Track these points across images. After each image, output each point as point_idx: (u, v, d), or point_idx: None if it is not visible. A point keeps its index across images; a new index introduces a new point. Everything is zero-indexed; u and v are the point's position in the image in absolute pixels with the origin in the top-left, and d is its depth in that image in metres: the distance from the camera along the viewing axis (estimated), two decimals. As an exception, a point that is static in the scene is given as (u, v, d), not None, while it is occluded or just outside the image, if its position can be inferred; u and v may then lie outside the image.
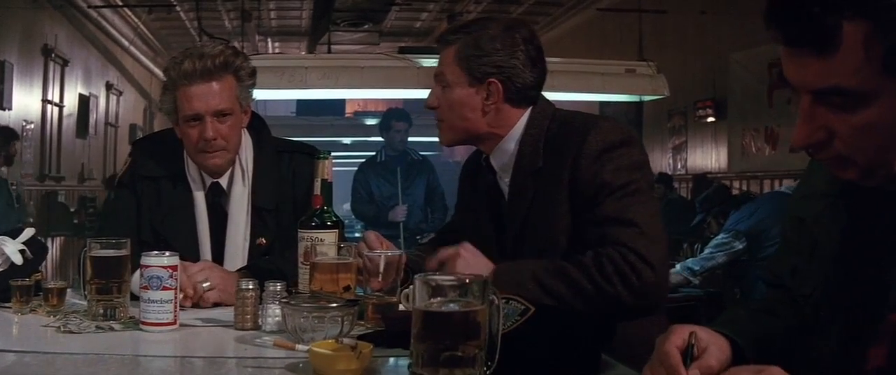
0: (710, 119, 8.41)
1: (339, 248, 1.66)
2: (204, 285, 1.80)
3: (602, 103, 8.15)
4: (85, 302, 1.69)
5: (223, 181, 2.11)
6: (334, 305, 1.40)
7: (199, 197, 2.10)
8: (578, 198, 1.72)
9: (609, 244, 1.64)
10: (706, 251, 4.68)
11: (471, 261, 1.70)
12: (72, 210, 8.72)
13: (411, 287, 1.61)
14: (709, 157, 8.75)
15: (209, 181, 2.11)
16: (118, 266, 1.63)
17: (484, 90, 1.80)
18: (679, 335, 1.10)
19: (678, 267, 4.67)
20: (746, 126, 8.03)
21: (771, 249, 4.41)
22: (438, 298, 1.06)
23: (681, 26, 8.40)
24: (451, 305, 1.06)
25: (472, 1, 10.22)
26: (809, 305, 1.17)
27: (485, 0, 10.09)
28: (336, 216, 1.71)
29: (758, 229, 4.50)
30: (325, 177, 1.70)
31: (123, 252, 1.64)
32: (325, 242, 1.65)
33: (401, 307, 1.61)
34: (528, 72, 1.80)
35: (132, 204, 2.11)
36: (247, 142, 2.14)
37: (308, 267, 1.64)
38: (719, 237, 4.65)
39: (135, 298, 1.63)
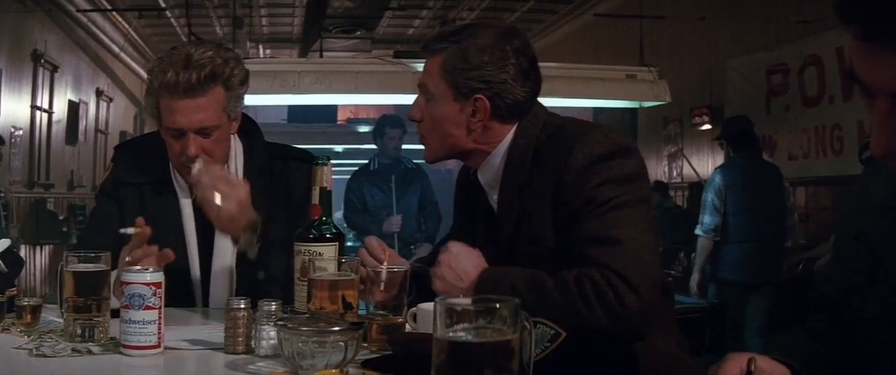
0: (706, 126, 8.34)
1: (340, 263, 1.52)
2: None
3: (596, 110, 8.06)
4: (62, 320, 1.56)
5: None
6: (336, 328, 1.26)
7: (187, 205, 1.96)
8: (562, 216, 1.58)
9: (591, 264, 1.50)
10: (706, 210, 5.00)
11: (461, 256, 1.58)
12: (61, 218, 8.58)
13: (418, 306, 1.50)
14: (705, 165, 8.67)
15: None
16: (97, 281, 1.49)
17: (469, 106, 1.65)
18: (735, 364, 0.99)
19: (701, 234, 5.00)
20: (744, 133, 7.96)
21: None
22: (463, 324, 0.92)
23: (677, 33, 8.33)
24: (480, 333, 0.92)
25: (465, 7, 10.14)
26: (870, 329, 1.05)
27: (479, 7, 10.01)
28: (336, 227, 1.57)
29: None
30: (324, 184, 1.57)
31: (102, 266, 1.50)
32: (325, 256, 1.52)
33: (407, 327, 1.49)
34: (519, 87, 1.65)
35: (114, 214, 1.97)
36: (237, 147, 2.00)
37: (305, 283, 1.51)
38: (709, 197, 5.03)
39: (117, 313, 1.49)
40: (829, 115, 6.87)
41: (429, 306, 1.45)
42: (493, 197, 1.73)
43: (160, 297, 1.41)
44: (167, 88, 1.81)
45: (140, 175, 1.98)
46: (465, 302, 0.93)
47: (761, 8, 7.45)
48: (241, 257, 1.94)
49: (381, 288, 1.50)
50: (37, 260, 7.98)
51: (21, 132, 7.80)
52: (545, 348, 1.07)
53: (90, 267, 1.50)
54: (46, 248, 8.13)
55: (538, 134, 1.67)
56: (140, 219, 1.70)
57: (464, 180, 1.88)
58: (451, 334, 0.92)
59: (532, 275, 1.54)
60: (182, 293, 1.90)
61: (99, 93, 10.54)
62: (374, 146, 5.65)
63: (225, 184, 1.81)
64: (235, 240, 1.89)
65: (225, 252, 1.94)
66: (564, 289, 1.48)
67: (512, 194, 1.66)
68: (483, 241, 1.75)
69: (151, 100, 1.88)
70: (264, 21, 11.37)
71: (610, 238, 1.51)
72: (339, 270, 1.51)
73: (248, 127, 2.03)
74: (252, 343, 1.43)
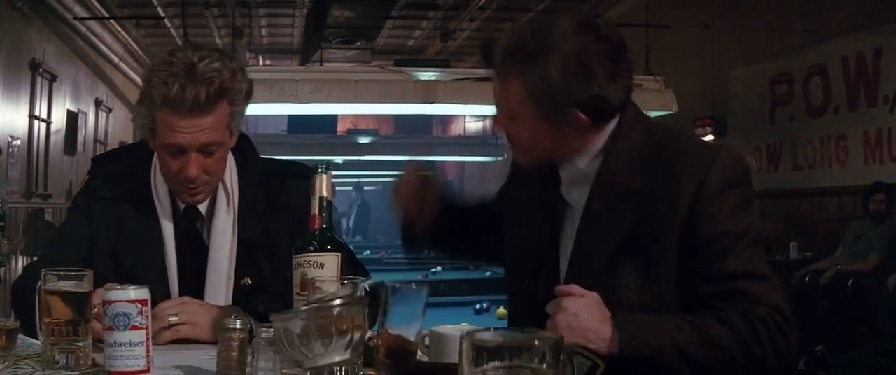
0: (709, 137, 8.27)
1: (343, 282, 1.38)
2: (172, 319, 1.55)
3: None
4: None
5: (201, 206, 1.82)
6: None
7: (166, 221, 1.80)
8: (689, 238, 1.45)
9: (748, 300, 1.41)
10: None
11: (580, 312, 1.37)
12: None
13: (432, 330, 1.38)
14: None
15: (182, 205, 1.82)
16: (78, 302, 1.36)
17: (563, 124, 1.50)
18: None
19: None
20: (748, 144, 7.90)
21: None
22: (494, 363, 0.78)
23: (680, 42, 8.27)
24: (516, 373, 0.78)
25: (466, 18, 10.08)
26: None
27: (479, 17, 9.94)
28: (339, 237, 1.45)
29: None
30: (324, 194, 1.44)
31: (85, 286, 1.37)
32: (326, 267, 1.39)
33: (419, 355, 1.36)
34: (613, 86, 1.48)
35: (83, 231, 1.81)
36: (230, 162, 1.84)
37: (304, 298, 1.38)
38: None
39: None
40: (835, 125, 6.81)
41: (444, 330, 1.33)
42: (572, 193, 1.59)
43: (147, 316, 1.28)
44: (170, 104, 1.64)
45: (117, 188, 1.82)
46: (494, 336, 0.80)
47: (765, 17, 7.38)
48: (236, 287, 1.80)
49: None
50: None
51: (19, 141, 7.73)
52: (585, 382, 0.97)
53: (71, 286, 1.37)
54: (43, 260, 8.01)
55: (644, 139, 1.53)
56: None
57: (518, 172, 1.74)
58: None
59: (688, 324, 1.41)
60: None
61: (98, 104, 10.48)
62: (374, 157, 5.56)
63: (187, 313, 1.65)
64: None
65: (219, 280, 1.79)
66: (735, 331, 1.39)
67: (616, 199, 1.51)
68: (545, 240, 1.62)
69: (145, 111, 1.71)
70: (264, 31, 11.33)
71: (760, 274, 1.44)
72: (341, 289, 1.38)
73: (242, 141, 1.87)
74: (247, 369, 1.31)
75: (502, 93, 1.54)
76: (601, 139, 1.55)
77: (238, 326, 1.30)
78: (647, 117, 1.60)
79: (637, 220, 1.48)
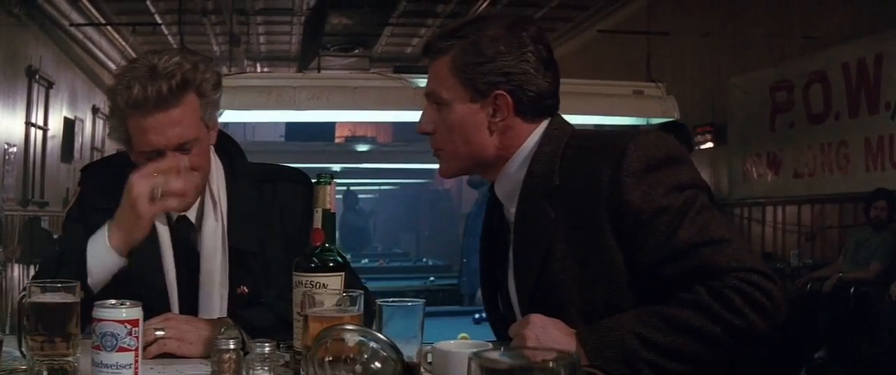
0: (709, 144, 8.23)
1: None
2: (157, 332, 1.49)
3: (597, 127, 7.95)
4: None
5: (191, 214, 1.76)
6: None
7: (164, 232, 1.75)
8: (628, 224, 1.41)
9: (714, 272, 1.35)
10: None
11: (547, 327, 1.37)
12: (55, 237, 8.40)
13: (434, 346, 1.33)
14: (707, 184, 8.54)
15: (175, 214, 1.76)
16: (65, 315, 1.29)
17: (490, 105, 1.49)
18: None
19: None
20: (748, 151, 7.86)
21: None
22: None
23: (679, 50, 8.23)
24: None
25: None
26: None
27: (479, 24, 9.87)
28: (341, 254, 1.40)
29: None
30: (328, 206, 1.38)
31: (72, 298, 1.30)
32: (329, 288, 1.34)
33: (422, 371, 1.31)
34: (541, 76, 1.50)
35: (83, 241, 1.73)
36: (217, 167, 1.79)
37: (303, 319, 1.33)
38: None
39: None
40: (835, 132, 6.78)
41: (448, 347, 1.27)
42: (511, 211, 1.55)
43: (137, 337, 1.22)
44: (135, 105, 1.61)
45: (110, 198, 1.75)
46: (504, 358, 0.75)
47: (765, 24, 7.35)
48: (231, 297, 1.75)
49: None
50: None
51: (15, 149, 7.68)
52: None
53: (58, 298, 1.30)
54: (39, 268, 7.95)
55: (568, 141, 1.51)
56: None
57: (491, 199, 1.70)
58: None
59: (651, 314, 1.37)
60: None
61: (95, 111, 10.42)
62: (372, 165, 5.52)
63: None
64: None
65: (212, 290, 1.74)
66: (705, 311, 1.34)
67: (538, 202, 1.49)
68: (499, 262, 1.61)
69: (117, 123, 1.67)
70: (262, 39, 11.29)
71: (718, 238, 1.38)
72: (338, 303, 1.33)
73: (228, 146, 1.84)
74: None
75: (432, 77, 1.54)
76: (529, 143, 1.53)
77: (231, 346, 1.25)
78: (572, 126, 1.57)
79: (562, 217, 1.46)
